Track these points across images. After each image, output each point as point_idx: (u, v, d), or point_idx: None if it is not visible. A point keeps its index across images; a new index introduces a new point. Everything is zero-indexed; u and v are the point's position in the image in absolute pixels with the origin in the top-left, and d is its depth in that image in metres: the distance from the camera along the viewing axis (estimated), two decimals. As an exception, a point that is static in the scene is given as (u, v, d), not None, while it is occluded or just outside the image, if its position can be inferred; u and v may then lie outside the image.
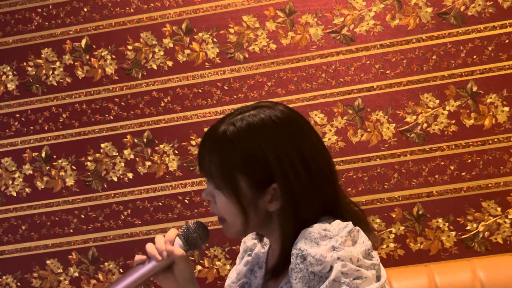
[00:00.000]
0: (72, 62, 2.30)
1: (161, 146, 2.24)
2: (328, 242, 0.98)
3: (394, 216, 2.12)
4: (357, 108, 2.16)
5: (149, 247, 1.12)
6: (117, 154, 2.26)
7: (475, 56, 2.13)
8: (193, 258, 2.19)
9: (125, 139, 2.26)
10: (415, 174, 2.11)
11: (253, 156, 1.06)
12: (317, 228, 1.00)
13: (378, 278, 0.99)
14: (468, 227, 2.08)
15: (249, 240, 1.27)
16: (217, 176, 1.09)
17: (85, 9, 2.31)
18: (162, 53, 2.26)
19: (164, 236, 1.13)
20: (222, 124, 1.10)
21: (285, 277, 1.06)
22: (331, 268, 0.96)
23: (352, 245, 0.99)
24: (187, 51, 2.25)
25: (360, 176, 2.14)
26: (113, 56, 2.29)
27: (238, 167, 1.07)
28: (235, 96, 2.21)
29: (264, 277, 1.18)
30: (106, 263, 2.23)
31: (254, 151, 1.06)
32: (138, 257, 1.13)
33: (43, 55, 2.32)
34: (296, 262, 0.99)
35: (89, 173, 2.27)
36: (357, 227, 1.03)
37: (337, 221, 1.03)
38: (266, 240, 1.24)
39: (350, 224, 1.02)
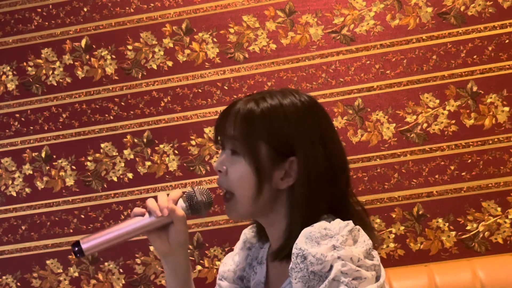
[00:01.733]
0: (72, 62, 2.30)
1: (161, 146, 2.24)
2: (329, 241, 0.98)
3: (394, 216, 2.12)
4: (357, 108, 2.16)
5: (150, 201, 1.10)
6: (117, 154, 2.26)
7: (475, 56, 2.13)
8: (192, 258, 2.19)
9: (125, 139, 2.26)
10: (415, 174, 2.11)
11: (279, 126, 1.08)
12: (317, 227, 1.00)
13: (377, 278, 0.98)
14: (468, 227, 2.08)
15: (249, 233, 1.26)
16: (240, 140, 1.08)
17: (85, 9, 2.31)
18: (162, 53, 2.26)
19: (168, 194, 1.12)
20: (249, 98, 1.12)
21: (287, 277, 1.06)
22: (331, 267, 0.95)
23: (353, 244, 0.99)
24: (187, 51, 2.25)
25: (360, 176, 2.14)
26: (113, 56, 2.29)
27: (262, 134, 1.08)
28: (235, 96, 2.21)
29: (266, 273, 1.17)
30: (106, 263, 2.23)
31: (280, 122, 1.08)
32: (137, 209, 1.11)
33: (43, 55, 2.32)
34: (296, 261, 0.98)
35: (89, 173, 2.27)
36: (357, 226, 1.02)
37: (338, 220, 1.03)
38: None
39: (350, 223, 1.02)
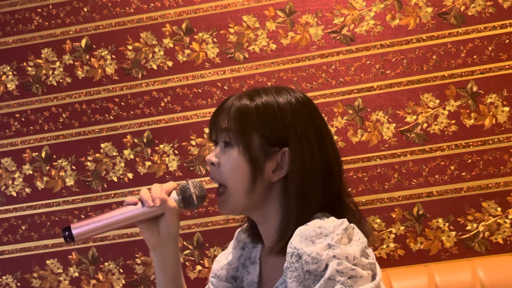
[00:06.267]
0: (72, 62, 2.30)
1: (161, 146, 2.24)
2: (324, 240, 0.97)
3: (394, 216, 2.12)
4: (357, 108, 2.16)
5: (143, 191, 1.10)
6: (117, 154, 2.26)
7: (475, 56, 2.13)
8: (192, 258, 2.19)
9: (125, 139, 2.26)
10: (415, 174, 2.11)
11: (272, 117, 1.08)
12: (312, 226, 0.99)
13: (373, 277, 0.98)
14: (468, 227, 2.08)
15: (243, 232, 1.25)
16: (233, 131, 1.08)
17: (85, 9, 2.31)
18: (162, 53, 2.26)
19: (162, 185, 1.11)
20: (243, 94, 1.13)
21: (280, 276, 1.06)
22: (327, 266, 0.94)
23: (348, 242, 0.98)
24: (187, 51, 2.25)
25: (360, 176, 2.14)
26: (113, 56, 2.29)
27: (255, 125, 1.08)
28: (235, 96, 2.21)
29: (260, 274, 1.17)
30: (106, 263, 2.23)
31: (274, 114, 1.08)
32: (130, 198, 1.11)
33: (43, 55, 2.32)
34: (291, 261, 0.97)
35: (89, 173, 2.27)
36: (352, 224, 1.01)
37: (332, 218, 1.02)
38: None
39: (345, 221, 1.01)
